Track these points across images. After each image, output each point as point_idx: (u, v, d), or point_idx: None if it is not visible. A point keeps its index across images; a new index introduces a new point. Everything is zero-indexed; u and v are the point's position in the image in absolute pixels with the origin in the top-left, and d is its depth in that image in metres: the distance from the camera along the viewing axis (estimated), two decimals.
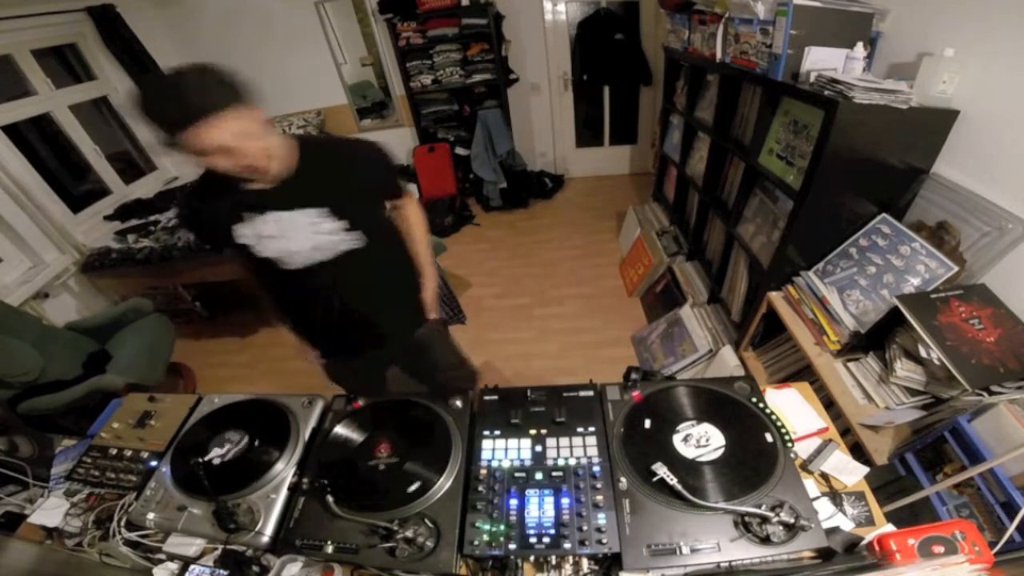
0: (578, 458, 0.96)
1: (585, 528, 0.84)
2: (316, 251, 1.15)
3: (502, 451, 0.99)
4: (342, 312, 1.29)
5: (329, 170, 1.14)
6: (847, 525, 0.88)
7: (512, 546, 0.84)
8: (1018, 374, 1.15)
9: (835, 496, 0.93)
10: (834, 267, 1.67)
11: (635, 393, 1.07)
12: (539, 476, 0.94)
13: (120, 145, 3.78)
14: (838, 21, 1.52)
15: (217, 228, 1.14)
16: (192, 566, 0.92)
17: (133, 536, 0.99)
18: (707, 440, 0.95)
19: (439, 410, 1.09)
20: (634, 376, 1.07)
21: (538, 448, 0.99)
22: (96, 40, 3.38)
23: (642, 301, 3.04)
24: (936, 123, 1.43)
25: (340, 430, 1.08)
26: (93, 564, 0.99)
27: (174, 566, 0.94)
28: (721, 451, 0.93)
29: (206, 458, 1.03)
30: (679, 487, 0.84)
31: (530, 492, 0.91)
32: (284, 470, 1.02)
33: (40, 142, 3.25)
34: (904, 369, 1.32)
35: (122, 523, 1.01)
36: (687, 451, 0.94)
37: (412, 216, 1.40)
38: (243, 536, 0.93)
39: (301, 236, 1.12)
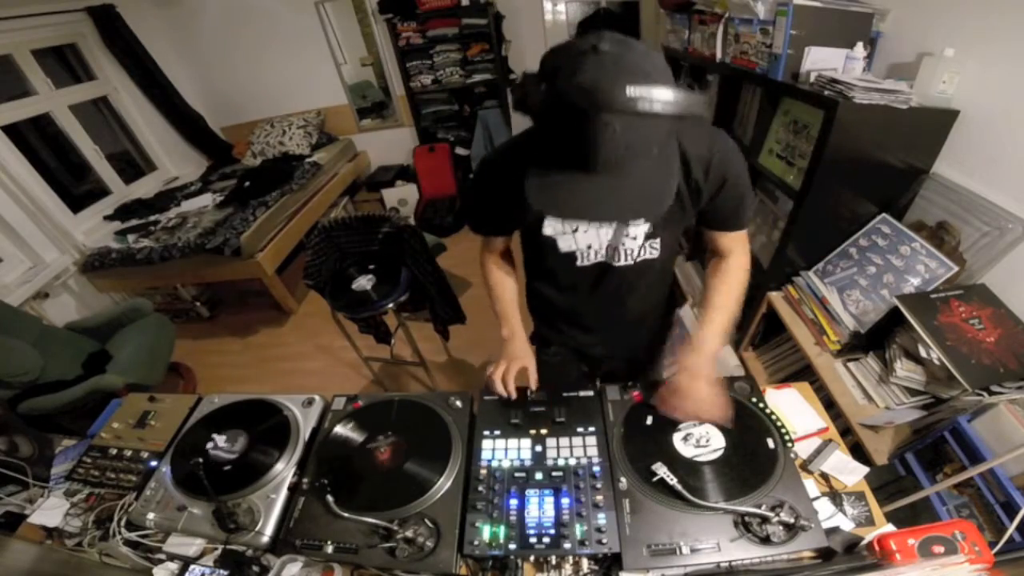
0: (578, 458, 0.96)
1: (585, 528, 0.84)
2: (612, 252, 0.99)
3: (502, 451, 0.99)
4: (606, 318, 1.16)
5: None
6: (847, 525, 0.88)
7: (512, 546, 0.84)
8: (1018, 374, 1.15)
9: (835, 496, 0.93)
10: (834, 267, 1.67)
11: (635, 393, 1.07)
12: (539, 476, 0.94)
13: (120, 145, 3.78)
14: (838, 21, 1.52)
15: (526, 210, 0.91)
16: (192, 566, 0.92)
17: (133, 536, 0.99)
18: (707, 440, 0.95)
19: (439, 410, 1.09)
20: None
21: (538, 448, 0.99)
22: (96, 40, 3.38)
23: None
24: (936, 123, 1.43)
25: (340, 430, 1.08)
26: (93, 564, 0.99)
27: (174, 566, 0.94)
28: (721, 451, 0.93)
29: (214, 442, 1.03)
30: (679, 487, 0.84)
31: (530, 492, 0.91)
32: (284, 470, 1.02)
33: (40, 142, 3.26)
34: (904, 369, 1.32)
35: (122, 523, 1.01)
36: (687, 451, 0.94)
37: (736, 262, 1.04)
38: (243, 536, 0.92)
39: (604, 234, 0.96)
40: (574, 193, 0.67)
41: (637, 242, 0.97)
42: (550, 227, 0.97)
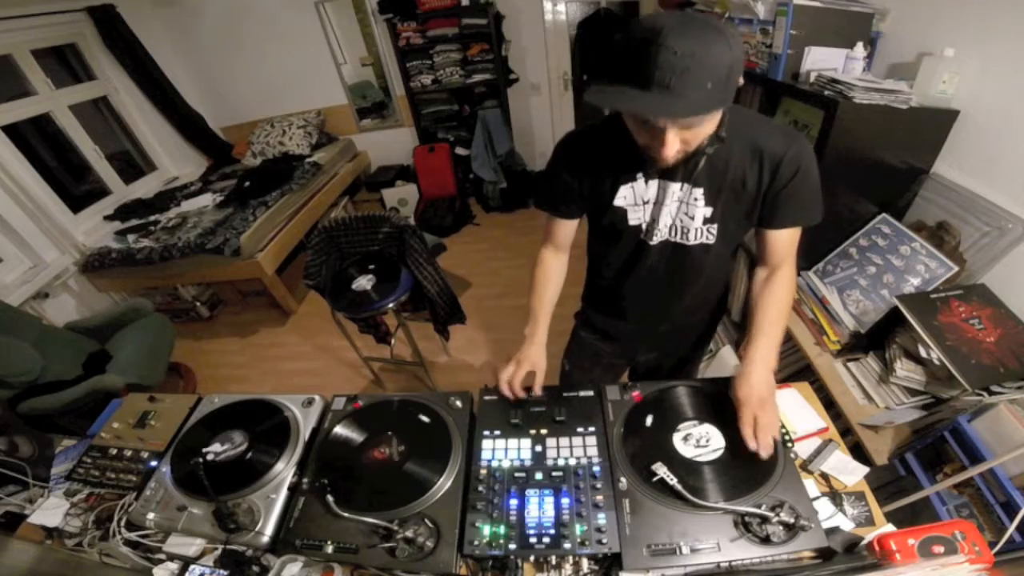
0: (578, 458, 0.96)
1: (585, 528, 0.84)
2: (675, 231, 1.01)
3: (502, 451, 0.99)
4: (657, 303, 1.19)
5: (736, 154, 0.92)
6: (847, 525, 0.88)
7: (512, 546, 0.84)
8: (1018, 374, 1.15)
9: (835, 496, 0.93)
10: (834, 267, 1.67)
11: (635, 393, 1.08)
12: (539, 476, 0.94)
13: (120, 145, 3.78)
14: (838, 21, 1.52)
15: (601, 182, 0.99)
16: (192, 566, 0.92)
17: (133, 536, 0.99)
18: (707, 440, 0.95)
19: (439, 410, 1.09)
20: None
21: (538, 448, 0.99)
22: (96, 40, 3.38)
23: None
24: (936, 123, 1.43)
25: (340, 430, 1.08)
26: (93, 564, 0.99)
27: (174, 566, 0.94)
28: (721, 451, 0.93)
29: (206, 450, 1.02)
30: (679, 487, 0.84)
31: (530, 492, 0.91)
32: (284, 470, 1.02)
33: (40, 142, 3.26)
34: (904, 369, 1.32)
35: (122, 523, 1.01)
36: (687, 451, 0.94)
37: (788, 275, 1.04)
38: (243, 536, 0.92)
39: (668, 211, 0.98)
40: (625, 96, 0.72)
41: (695, 223, 0.98)
42: (622, 198, 0.99)
